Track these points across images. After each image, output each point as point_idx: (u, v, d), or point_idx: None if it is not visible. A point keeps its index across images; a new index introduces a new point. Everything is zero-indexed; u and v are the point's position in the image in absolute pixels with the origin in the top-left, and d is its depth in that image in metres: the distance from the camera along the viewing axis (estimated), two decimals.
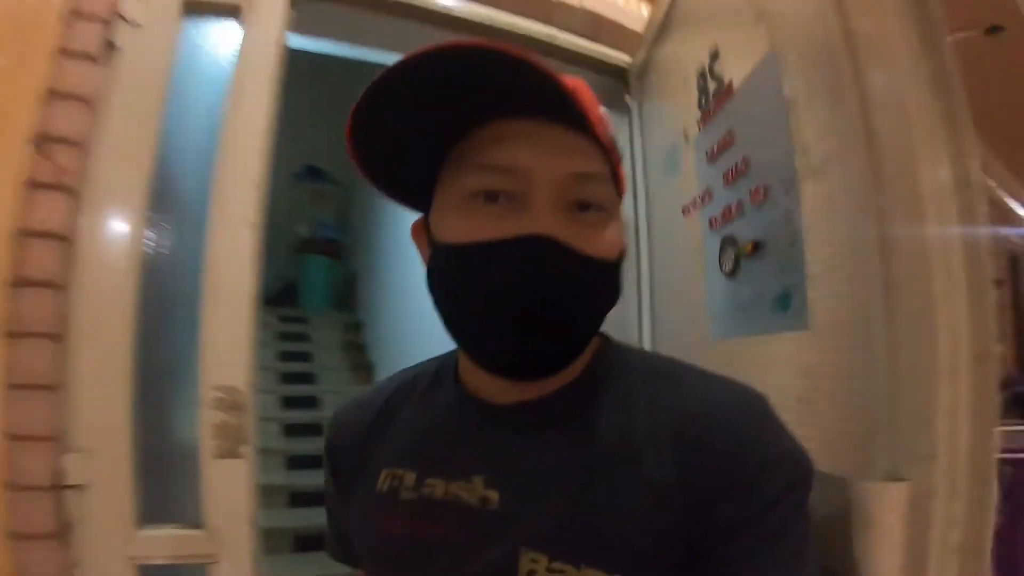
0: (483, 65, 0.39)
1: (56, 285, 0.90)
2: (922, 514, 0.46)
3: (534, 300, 0.42)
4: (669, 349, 1.23)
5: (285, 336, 4.58)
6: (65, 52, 0.96)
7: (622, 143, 1.53)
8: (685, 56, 1.13)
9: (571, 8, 1.39)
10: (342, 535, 0.59)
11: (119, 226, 0.98)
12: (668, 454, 0.43)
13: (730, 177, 0.88)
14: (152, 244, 1.02)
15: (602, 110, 0.46)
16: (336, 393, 4.05)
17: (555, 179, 0.43)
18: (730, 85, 0.89)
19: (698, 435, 0.43)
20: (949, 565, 0.45)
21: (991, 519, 0.45)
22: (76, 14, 0.97)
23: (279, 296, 5.30)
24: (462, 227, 0.44)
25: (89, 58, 0.97)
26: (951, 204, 0.46)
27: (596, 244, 0.44)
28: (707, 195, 0.98)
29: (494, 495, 0.46)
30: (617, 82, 1.50)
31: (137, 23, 1.01)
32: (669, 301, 1.24)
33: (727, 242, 0.87)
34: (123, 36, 1.00)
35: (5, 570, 0.87)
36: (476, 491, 0.46)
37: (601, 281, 0.45)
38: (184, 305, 1.03)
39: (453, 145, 0.45)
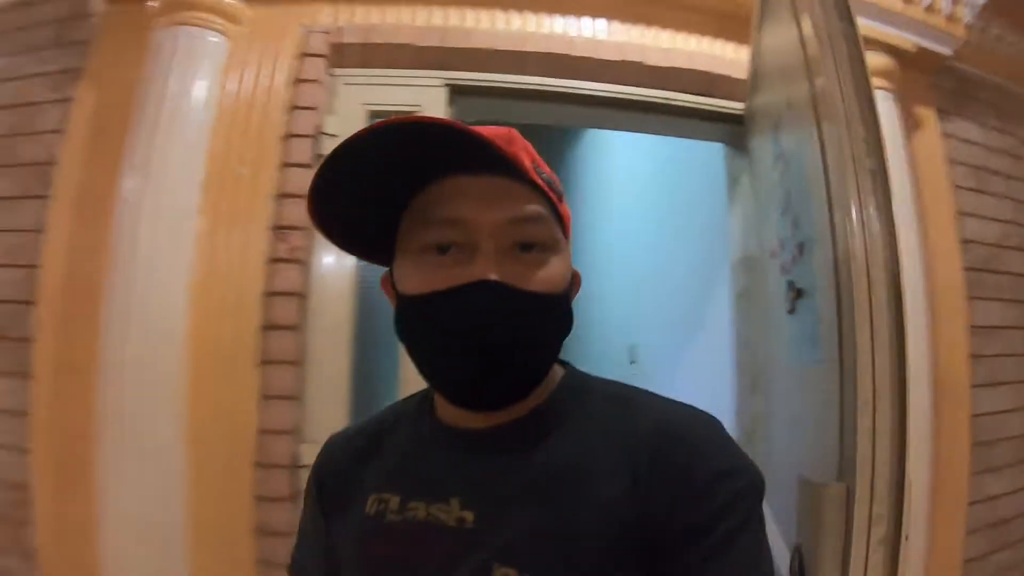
0: (421, 135, 0.46)
1: (295, 328, 1.34)
2: (850, 511, 0.62)
3: (485, 339, 0.48)
4: (776, 370, 1.40)
5: None
6: (287, 163, 1.39)
7: (746, 186, 1.70)
8: (767, 114, 1.31)
9: (682, 71, 1.60)
10: (308, 561, 0.64)
11: (338, 284, 1.41)
12: (625, 472, 0.48)
13: (790, 232, 1.06)
14: (362, 294, 1.44)
15: (535, 153, 0.53)
16: None
17: (495, 226, 0.48)
18: (785, 152, 1.08)
19: (652, 453, 0.48)
20: (877, 554, 0.61)
21: (903, 520, 0.60)
22: (291, 135, 1.41)
23: None
24: (418, 278, 0.50)
25: (304, 165, 1.40)
26: (880, 274, 0.62)
27: (539, 281, 0.49)
28: (781, 244, 1.16)
29: (469, 515, 0.51)
30: (740, 127, 1.68)
31: (335, 135, 1.46)
32: (770, 330, 1.40)
33: (788, 286, 1.04)
34: (326, 146, 1.43)
35: (254, 522, 1.28)
36: (453, 512, 0.51)
37: (546, 314, 0.50)
38: (388, 337, 1.47)
39: (406, 205, 0.52)
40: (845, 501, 0.62)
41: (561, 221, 0.53)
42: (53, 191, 1.50)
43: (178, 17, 1.39)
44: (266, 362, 1.31)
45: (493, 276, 0.47)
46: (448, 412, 0.56)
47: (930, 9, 1.81)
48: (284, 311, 1.32)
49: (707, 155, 2.06)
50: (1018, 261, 2.03)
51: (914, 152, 1.79)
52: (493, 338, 0.48)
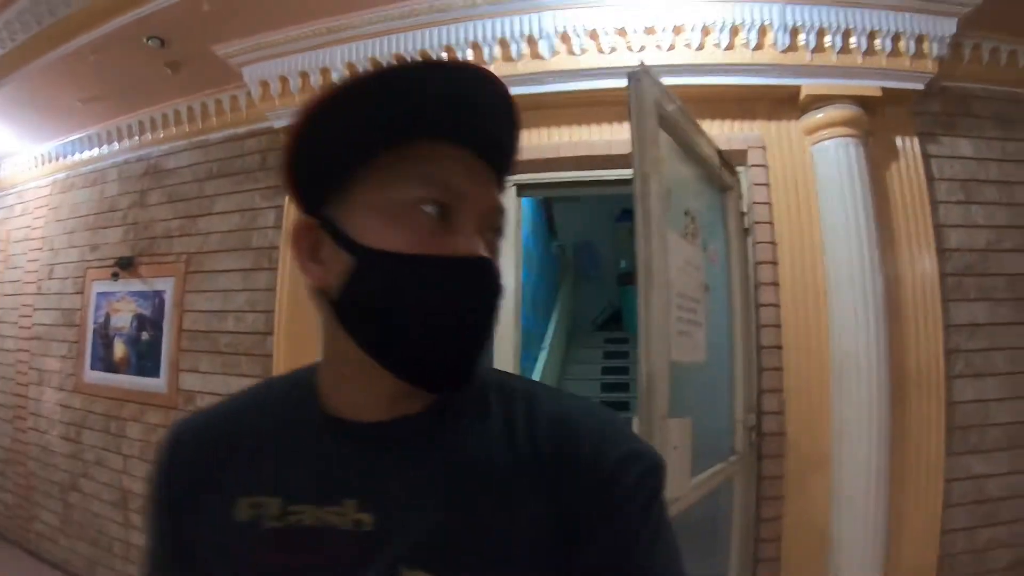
0: (469, 88, 0.50)
1: None
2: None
3: (472, 317, 0.52)
4: None
5: (609, 354, 6.27)
6: None
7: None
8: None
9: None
10: (165, 564, 0.61)
11: None
12: (531, 466, 0.54)
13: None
14: None
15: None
16: None
17: (485, 208, 0.54)
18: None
19: (555, 446, 0.54)
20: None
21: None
22: None
23: (607, 322, 7.04)
24: (400, 235, 0.51)
25: None
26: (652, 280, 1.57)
27: (501, 269, 0.55)
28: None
29: (367, 517, 0.52)
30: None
31: None
32: None
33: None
34: None
35: None
36: (348, 515, 0.52)
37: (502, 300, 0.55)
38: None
39: (380, 152, 0.53)
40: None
41: None
42: (277, 264, 2.82)
43: None
44: None
45: (486, 254, 0.53)
46: (340, 399, 0.57)
47: (894, 54, 2.40)
48: None
49: None
50: (1014, 262, 2.57)
51: (886, 179, 2.46)
52: (479, 316, 0.53)
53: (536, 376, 5.45)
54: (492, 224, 0.56)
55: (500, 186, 0.58)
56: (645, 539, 0.53)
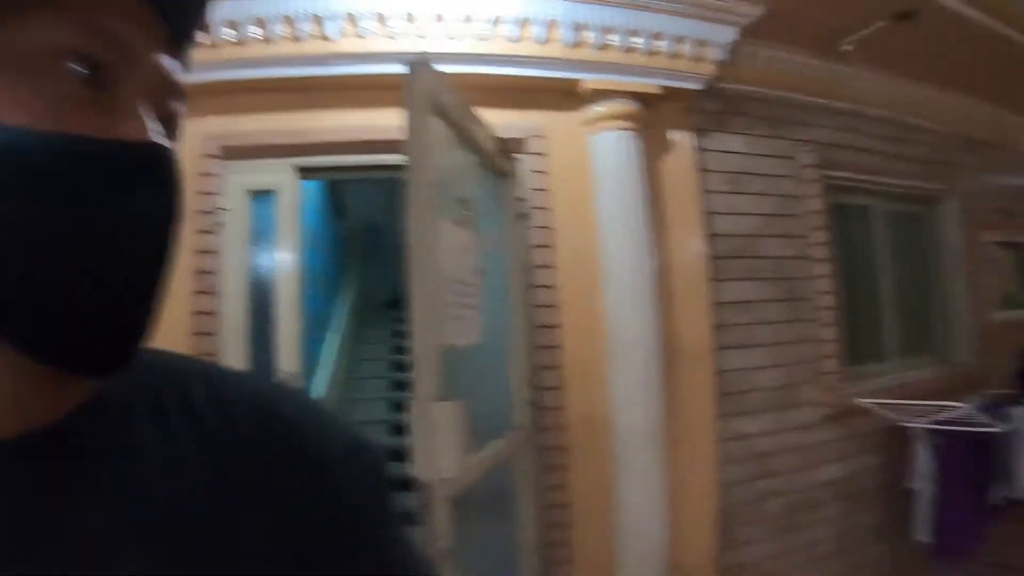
0: None
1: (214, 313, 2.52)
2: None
3: (143, 237, 0.35)
4: None
5: (397, 333, 6.44)
6: (198, 230, 2.49)
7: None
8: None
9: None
10: None
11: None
12: (243, 475, 0.42)
13: None
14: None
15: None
16: None
17: (156, 76, 0.37)
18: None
19: (264, 437, 0.44)
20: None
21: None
22: (199, 211, 2.56)
23: (397, 301, 7.06)
24: (27, 102, 0.32)
25: (208, 232, 2.53)
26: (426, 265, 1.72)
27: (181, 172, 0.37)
28: None
29: None
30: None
31: (228, 208, 2.54)
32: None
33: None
34: (223, 216, 2.53)
35: None
36: None
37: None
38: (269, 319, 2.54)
39: None
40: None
41: None
42: None
43: None
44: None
45: (166, 144, 0.36)
46: None
47: (675, 55, 2.63)
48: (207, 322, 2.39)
49: None
50: (776, 246, 2.99)
51: (661, 170, 2.71)
52: (156, 240, 0.36)
53: (328, 357, 5.56)
54: (166, 107, 0.38)
55: (179, 54, 0.40)
56: (394, 543, 0.48)
